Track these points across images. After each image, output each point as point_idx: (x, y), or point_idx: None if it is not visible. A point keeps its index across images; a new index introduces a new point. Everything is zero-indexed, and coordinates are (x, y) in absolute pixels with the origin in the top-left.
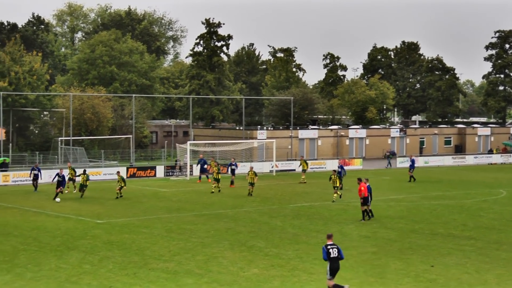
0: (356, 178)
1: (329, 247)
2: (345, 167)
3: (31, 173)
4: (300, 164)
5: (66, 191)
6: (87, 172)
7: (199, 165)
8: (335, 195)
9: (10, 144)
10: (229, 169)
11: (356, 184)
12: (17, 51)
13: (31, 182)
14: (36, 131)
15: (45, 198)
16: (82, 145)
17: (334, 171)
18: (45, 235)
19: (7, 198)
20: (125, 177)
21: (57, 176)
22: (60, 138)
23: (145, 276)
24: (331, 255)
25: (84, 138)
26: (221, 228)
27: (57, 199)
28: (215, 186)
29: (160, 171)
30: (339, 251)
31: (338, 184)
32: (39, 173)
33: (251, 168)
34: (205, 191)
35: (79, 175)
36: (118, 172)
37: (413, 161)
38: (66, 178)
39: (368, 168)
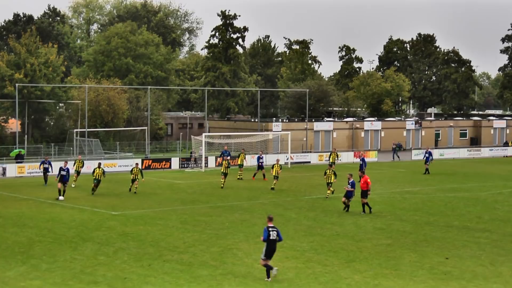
0: (349, 172)
1: (270, 229)
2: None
3: (41, 166)
4: (330, 156)
5: (73, 185)
6: (102, 166)
7: (222, 156)
8: (328, 191)
9: (26, 136)
10: (257, 162)
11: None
12: (32, 43)
13: (42, 174)
14: (52, 123)
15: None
16: (98, 137)
17: (330, 165)
18: (60, 226)
19: (22, 190)
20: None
21: (60, 171)
22: (75, 130)
23: (160, 268)
24: (270, 237)
25: (99, 130)
26: (236, 220)
27: (61, 197)
28: (223, 181)
29: (175, 163)
30: (278, 234)
31: (333, 180)
32: (49, 167)
33: (277, 161)
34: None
35: (93, 170)
36: (136, 164)
37: (430, 154)
38: (72, 171)
39: (383, 160)
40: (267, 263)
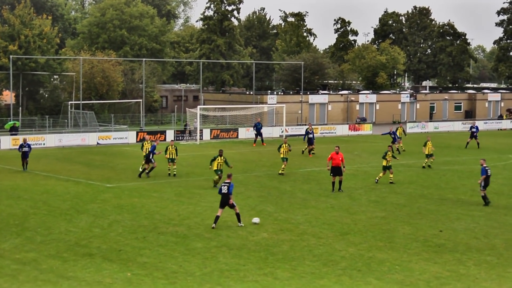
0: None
1: (223, 184)
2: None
3: (20, 150)
4: (397, 130)
5: (175, 174)
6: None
7: (255, 128)
8: (283, 166)
9: (20, 108)
10: (306, 137)
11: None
12: (27, 15)
13: (28, 152)
14: (46, 95)
15: (54, 161)
16: (92, 109)
17: (285, 137)
18: (55, 198)
19: (17, 162)
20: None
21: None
22: (70, 102)
23: (155, 240)
24: (222, 191)
25: (94, 102)
26: None
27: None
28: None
29: (170, 135)
30: (228, 188)
31: (287, 155)
32: (29, 150)
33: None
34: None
35: (214, 159)
36: (172, 142)
37: (476, 128)
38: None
39: (378, 133)
40: (218, 214)
